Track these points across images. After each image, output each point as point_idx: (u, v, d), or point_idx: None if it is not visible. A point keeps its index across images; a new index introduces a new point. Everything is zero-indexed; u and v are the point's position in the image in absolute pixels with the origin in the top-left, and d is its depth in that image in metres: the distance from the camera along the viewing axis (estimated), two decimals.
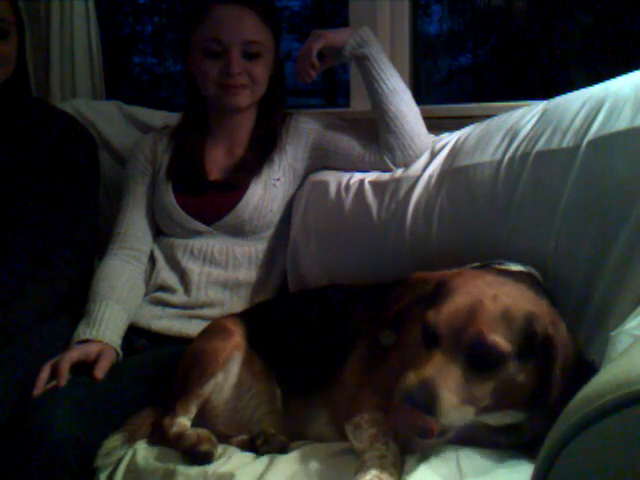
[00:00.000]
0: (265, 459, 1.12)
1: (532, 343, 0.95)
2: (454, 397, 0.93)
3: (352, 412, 1.10)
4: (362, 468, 0.96)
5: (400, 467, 0.99)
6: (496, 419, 1.00)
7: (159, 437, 1.26)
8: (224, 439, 1.27)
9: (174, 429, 1.24)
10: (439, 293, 1.01)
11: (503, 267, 1.14)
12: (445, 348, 0.96)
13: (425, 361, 0.96)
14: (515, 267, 1.14)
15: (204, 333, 1.41)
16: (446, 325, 0.97)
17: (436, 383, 0.93)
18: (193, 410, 1.29)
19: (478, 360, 0.94)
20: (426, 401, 0.92)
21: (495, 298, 0.98)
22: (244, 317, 1.43)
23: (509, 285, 1.02)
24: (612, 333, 0.96)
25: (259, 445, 1.21)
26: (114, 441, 1.26)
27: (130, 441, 1.27)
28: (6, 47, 1.58)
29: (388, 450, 0.99)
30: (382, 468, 0.95)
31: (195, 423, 1.29)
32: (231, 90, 1.59)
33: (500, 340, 0.94)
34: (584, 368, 0.96)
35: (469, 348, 0.95)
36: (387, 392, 1.06)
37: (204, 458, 1.17)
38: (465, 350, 0.95)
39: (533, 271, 1.14)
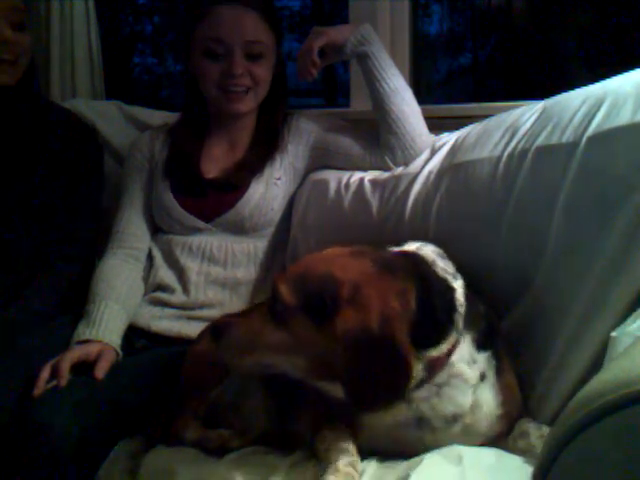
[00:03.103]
0: (265, 461, 1.11)
1: (322, 301, 0.97)
2: (242, 335, 1.08)
3: (316, 427, 1.11)
4: None
5: (359, 463, 1.00)
6: (325, 387, 1.03)
7: (171, 439, 1.25)
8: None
9: (191, 432, 1.24)
10: None
11: (392, 248, 1.17)
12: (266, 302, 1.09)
13: None
14: (411, 247, 1.15)
15: (207, 333, 1.39)
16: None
17: (234, 324, 1.11)
18: (202, 413, 1.28)
19: (273, 308, 1.04)
20: (219, 332, 1.11)
21: (308, 261, 1.08)
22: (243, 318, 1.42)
23: (348, 257, 1.04)
24: (613, 334, 0.97)
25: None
26: (134, 444, 1.26)
27: (148, 444, 1.27)
28: (24, 39, 1.58)
29: (342, 452, 1.00)
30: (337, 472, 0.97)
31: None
32: (233, 96, 1.59)
33: (285, 292, 1.01)
34: (392, 348, 0.92)
35: (270, 295, 1.06)
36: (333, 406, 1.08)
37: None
38: (269, 298, 1.07)
39: (429, 254, 1.11)
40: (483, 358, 1.06)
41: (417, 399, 1.02)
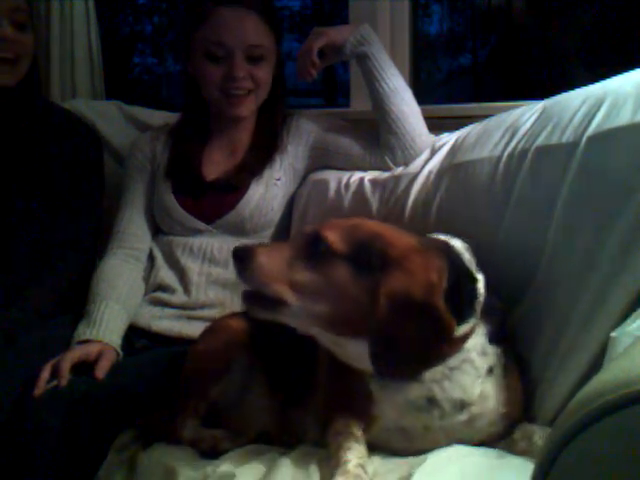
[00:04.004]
0: (266, 459, 1.11)
1: (370, 257, 1.01)
2: (269, 263, 1.04)
3: (327, 421, 1.11)
4: None
5: (369, 465, 1.00)
6: (354, 347, 1.03)
7: (170, 438, 1.25)
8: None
9: (187, 431, 1.24)
10: None
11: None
12: (293, 241, 1.10)
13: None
14: (441, 237, 1.17)
15: (209, 332, 1.40)
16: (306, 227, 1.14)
17: (259, 251, 1.06)
18: (202, 411, 1.29)
19: (310, 250, 1.05)
20: (244, 255, 1.06)
21: (355, 219, 1.12)
22: (247, 317, 1.42)
23: (393, 229, 1.11)
24: (613, 334, 0.96)
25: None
26: (127, 437, 1.26)
27: (142, 438, 1.27)
28: (26, 39, 1.58)
29: (352, 453, 1.00)
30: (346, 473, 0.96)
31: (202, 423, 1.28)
32: (234, 100, 1.59)
33: (333, 237, 1.04)
34: (431, 322, 0.96)
35: (305, 237, 1.08)
36: (346, 392, 1.11)
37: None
38: (302, 239, 1.08)
39: (458, 245, 1.13)
40: (493, 352, 1.08)
41: (429, 380, 1.04)
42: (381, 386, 1.07)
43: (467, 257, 1.11)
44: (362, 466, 0.98)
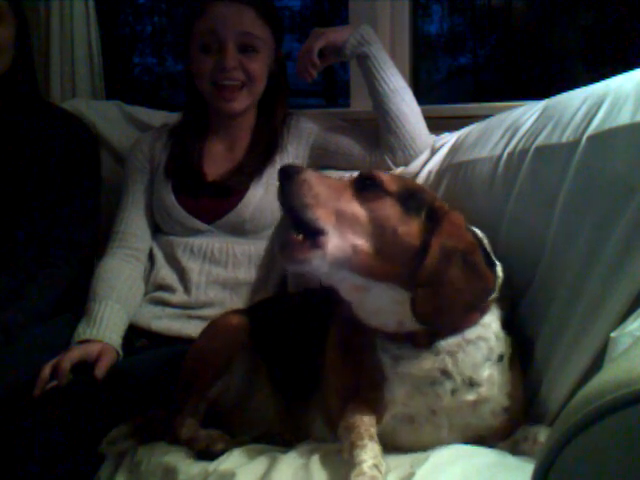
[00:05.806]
0: (266, 457, 1.11)
1: (420, 205, 1.05)
2: (316, 185, 1.02)
3: (338, 415, 1.11)
4: None
5: (383, 465, 0.99)
6: (381, 295, 1.04)
7: (169, 437, 1.25)
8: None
9: (185, 431, 1.24)
10: None
11: None
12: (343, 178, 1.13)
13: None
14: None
15: (209, 330, 1.39)
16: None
17: (308, 171, 1.06)
18: (202, 411, 1.29)
19: (361, 183, 1.06)
20: (292, 171, 1.04)
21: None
22: (248, 314, 1.42)
23: None
24: (613, 334, 0.96)
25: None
26: (120, 431, 1.26)
27: (136, 435, 1.27)
28: (1, 32, 1.56)
29: (366, 453, 0.99)
30: (362, 475, 0.95)
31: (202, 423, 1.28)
32: (226, 94, 1.59)
33: (387, 178, 1.07)
34: (475, 274, 1.02)
35: (357, 177, 1.09)
36: (355, 385, 1.11)
37: (217, 456, 1.16)
38: (353, 178, 1.09)
39: (478, 231, 1.17)
40: (504, 340, 1.10)
41: (444, 350, 1.05)
42: (393, 358, 1.07)
43: (486, 243, 1.15)
44: (377, 466, 0.97)
